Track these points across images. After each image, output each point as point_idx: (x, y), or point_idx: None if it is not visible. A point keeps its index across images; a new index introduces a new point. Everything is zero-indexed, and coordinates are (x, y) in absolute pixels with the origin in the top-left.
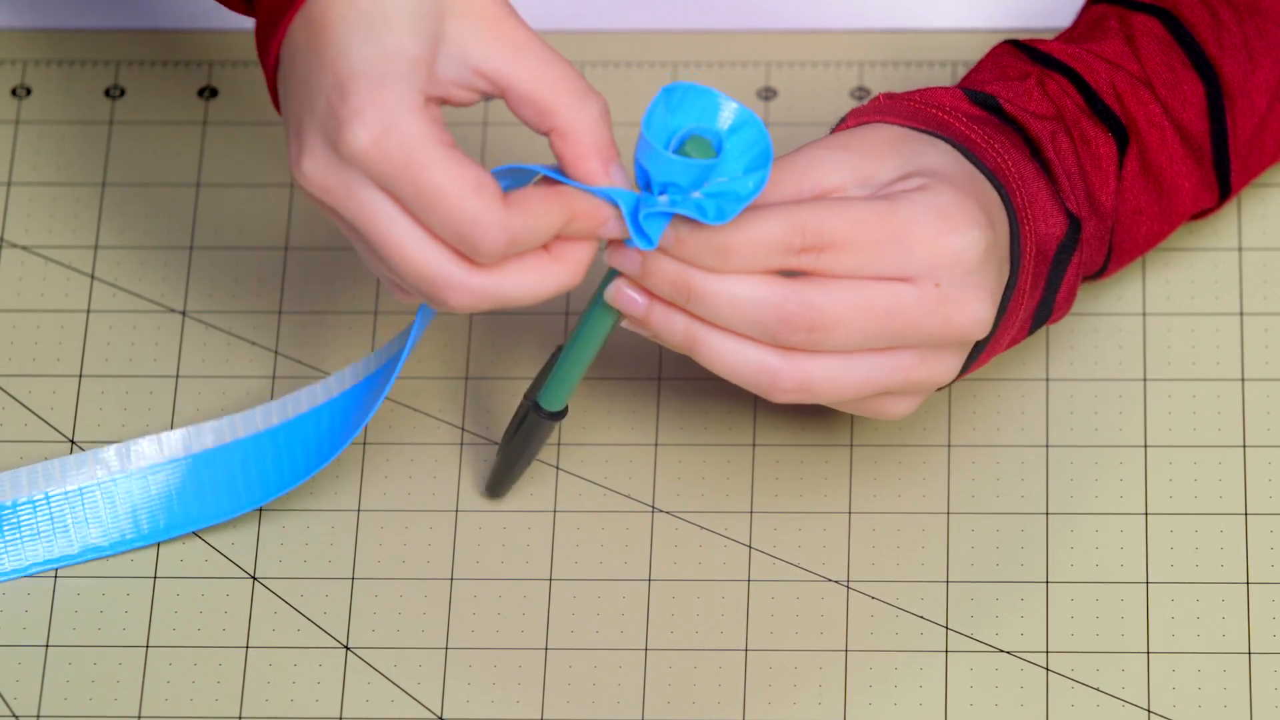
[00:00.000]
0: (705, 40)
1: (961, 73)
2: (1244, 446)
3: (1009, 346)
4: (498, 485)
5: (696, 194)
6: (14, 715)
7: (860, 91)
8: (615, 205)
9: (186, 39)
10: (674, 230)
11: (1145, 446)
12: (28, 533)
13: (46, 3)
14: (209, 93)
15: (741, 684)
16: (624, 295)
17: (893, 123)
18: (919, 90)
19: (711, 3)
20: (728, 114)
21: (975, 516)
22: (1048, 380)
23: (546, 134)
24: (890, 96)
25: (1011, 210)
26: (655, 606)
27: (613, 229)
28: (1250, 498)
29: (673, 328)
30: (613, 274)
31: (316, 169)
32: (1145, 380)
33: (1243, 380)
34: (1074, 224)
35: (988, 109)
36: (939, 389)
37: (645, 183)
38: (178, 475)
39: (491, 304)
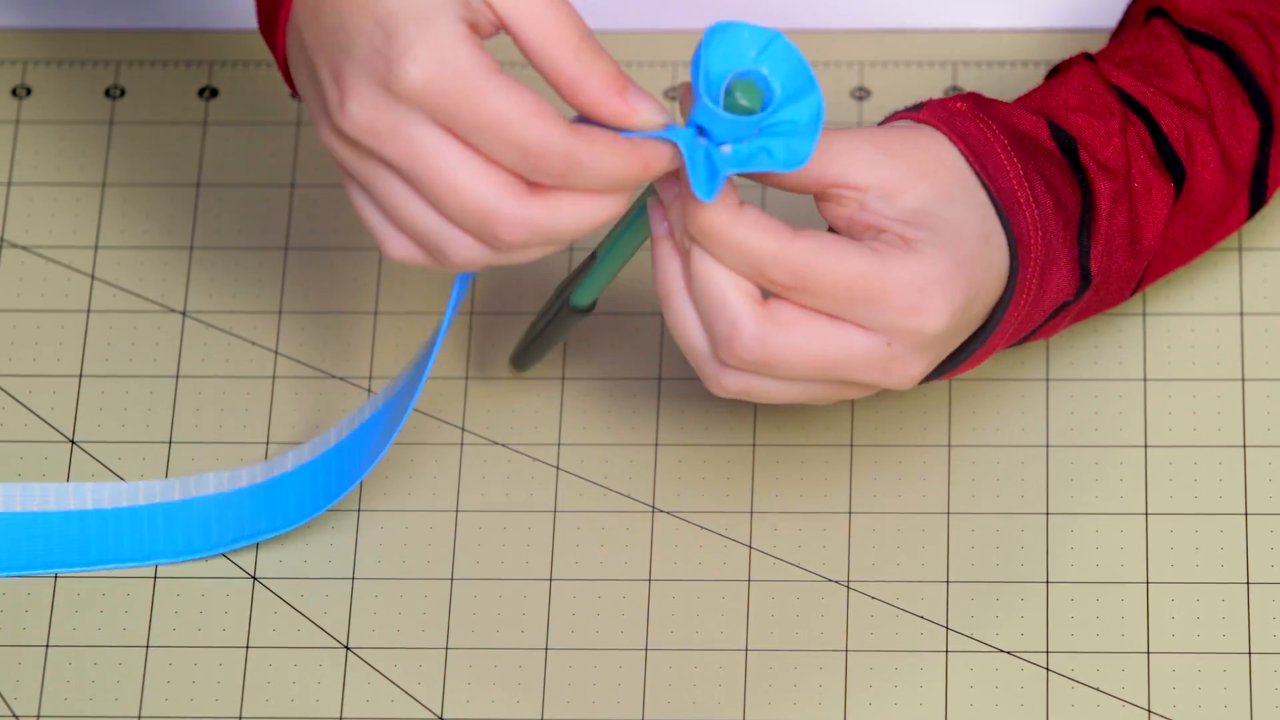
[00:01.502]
0: None
1: (962, 73)
2: (1244, 446)
3: (991, 355)
4: (523, 360)
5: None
6: (14, 715)
7: (861, 91)
8: (674, 145)
9: (186, 39)
10: (675, 187)
11: (1145, 446)
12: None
13: (46, 3)
14: (209, 93)
15: (742, 684)
16: (654, 211)
17: (956, 144)
18: (1005, 106)
19: (712, 3)
20: (752, 43)
21: (975, 516)
22: (1048, 380)
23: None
24: (978, 103)
25: (1013, 282)
26: (655, 606)
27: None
28: (1250, 498)
29: (661, 269)
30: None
31: (364, 111)
32: (1145, 380)
33: (1243, 380)
34: (1084, 285)
35: (1063, 149)
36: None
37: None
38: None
39: (542, 237)
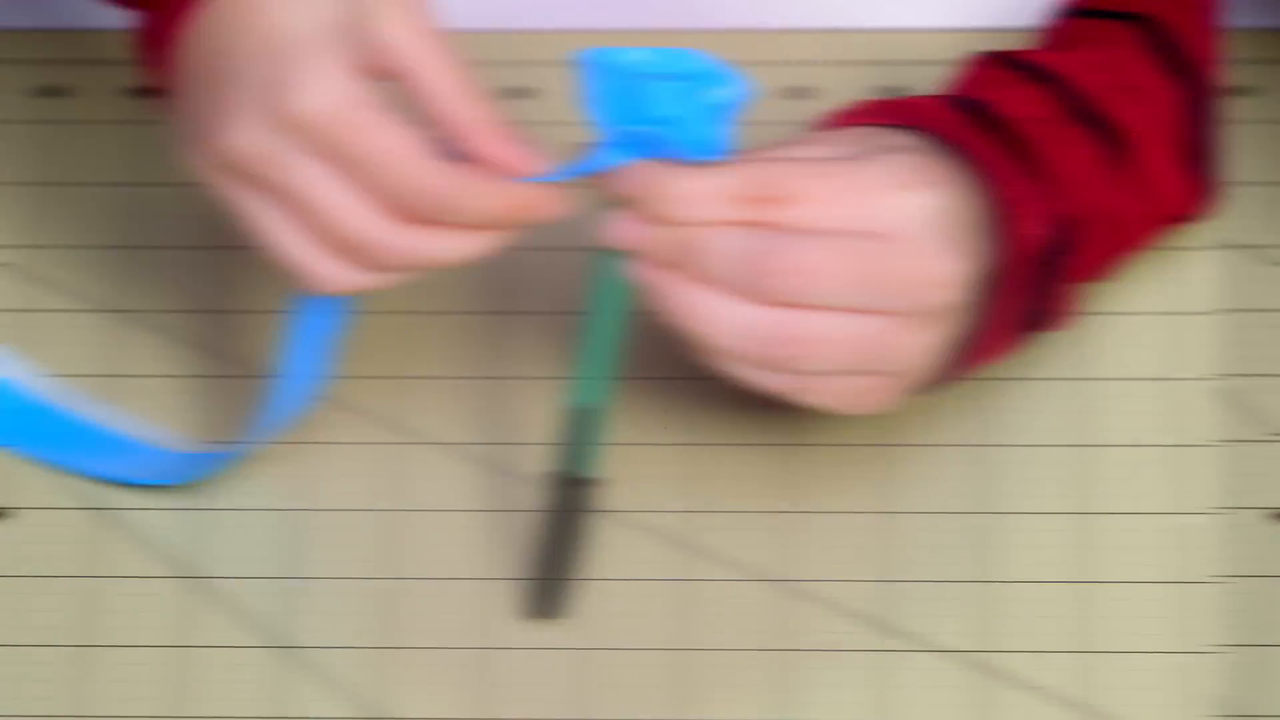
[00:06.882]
0: (704, 40)
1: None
2: (1239, 446)
3: (1002, 354)
4: (550, 596)
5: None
6: (14, 715)
7: (860, 91)
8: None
9: None
10: (632, 177)
11: (1145, 446)
12: None
13: (48, 2)
14: None
15: (739, 684)
16: (635, 269)
17: (865, 123)
18: (900, 98)
19: (710, 3)
20: (641, 54)
21: (923, 516)
22: (1048, 380)
23: (442, 131)
24: (866, 101)
25: (987, 202)
26: (655, 607)
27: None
28: (1250, 498)
29: (667, 294)
30: (605, 259)
31: (244, 138)
32: (1145, 380)
33: (1243, 380)
34: (1060, 225)
35: (972, 114)
36: (918, 386)
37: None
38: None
39: (416, 266)
